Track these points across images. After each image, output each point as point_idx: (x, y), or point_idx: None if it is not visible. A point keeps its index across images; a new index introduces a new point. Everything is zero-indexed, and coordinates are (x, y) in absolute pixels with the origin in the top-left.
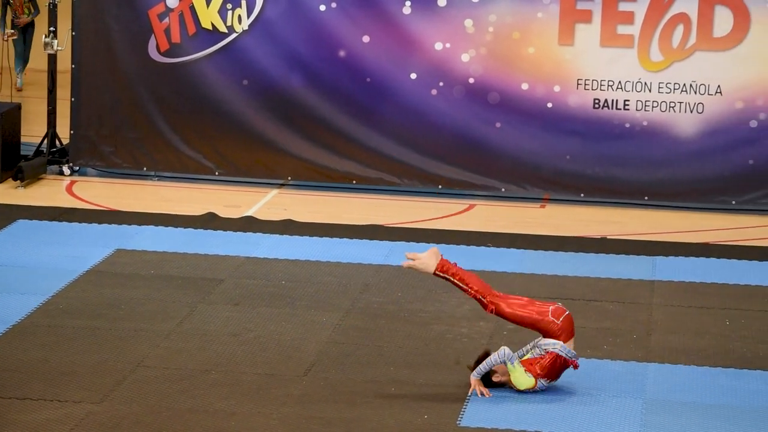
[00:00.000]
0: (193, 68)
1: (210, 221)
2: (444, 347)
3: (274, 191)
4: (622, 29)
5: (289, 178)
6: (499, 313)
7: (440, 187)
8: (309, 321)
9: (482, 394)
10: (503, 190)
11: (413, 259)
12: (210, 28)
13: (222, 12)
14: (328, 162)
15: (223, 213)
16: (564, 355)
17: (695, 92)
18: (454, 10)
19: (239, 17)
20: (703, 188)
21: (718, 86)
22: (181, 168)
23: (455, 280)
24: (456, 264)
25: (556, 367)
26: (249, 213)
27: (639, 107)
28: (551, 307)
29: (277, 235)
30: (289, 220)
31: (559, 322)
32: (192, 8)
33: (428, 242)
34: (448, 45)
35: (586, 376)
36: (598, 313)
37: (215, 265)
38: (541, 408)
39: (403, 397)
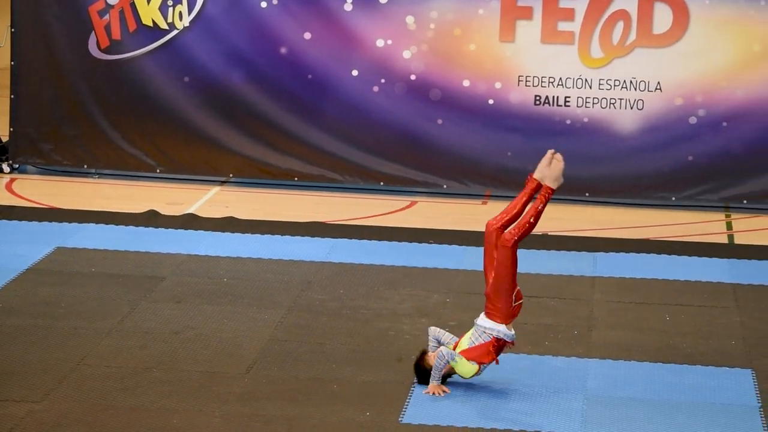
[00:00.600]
0: (133, 65)
1: (151, 219)
2: (386, 344)
3: (216, 189)
4: (563, 26)
5: (231, 175)
6: (513, 248)
7: (382, 183)
8: (251, 318)
9: (443, 392)
10: (445, 186)
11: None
12: (151, 24)
13: (163, 9)
14: (270, 159)
15: (165, 210)
16: (504, 338)
17: (635, 89)
18: (396, 7)
19: (180, 14)
20: (643, 184)
21: (658, 83)
22: (122, 165)
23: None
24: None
25: (498, 350)
26: (190, 210)
27: (580, 104)
28: (517, 288)
29: (219, 233)
30: (231, 218)
31: (514, 305)
32: (132, 5)
33: (370, 239)
34: (389, 42)
35: (527, 373)
36: (539, 309)
37: (157, 263)
38: (483, 405)
39: (345, 394)
